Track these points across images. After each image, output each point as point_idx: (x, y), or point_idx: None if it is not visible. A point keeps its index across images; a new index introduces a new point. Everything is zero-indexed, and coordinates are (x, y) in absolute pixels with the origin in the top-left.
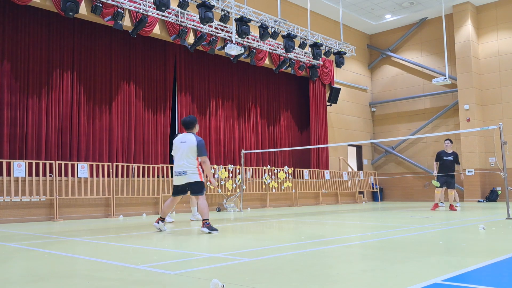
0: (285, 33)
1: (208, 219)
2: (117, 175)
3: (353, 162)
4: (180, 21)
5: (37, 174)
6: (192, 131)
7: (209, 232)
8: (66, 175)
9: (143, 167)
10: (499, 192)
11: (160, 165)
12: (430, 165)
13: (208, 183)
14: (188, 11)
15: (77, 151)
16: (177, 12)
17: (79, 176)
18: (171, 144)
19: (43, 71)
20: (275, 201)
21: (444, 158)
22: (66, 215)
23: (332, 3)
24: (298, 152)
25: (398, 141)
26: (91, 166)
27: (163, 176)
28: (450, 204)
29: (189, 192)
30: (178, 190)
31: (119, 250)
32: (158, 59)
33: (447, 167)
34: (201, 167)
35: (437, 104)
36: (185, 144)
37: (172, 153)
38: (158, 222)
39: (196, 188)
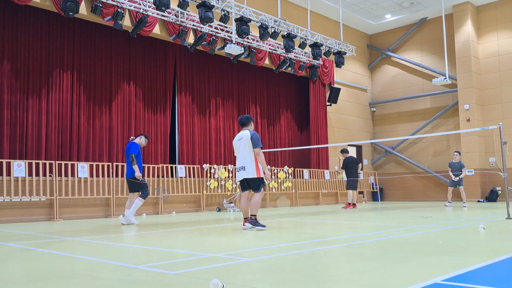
0: (285, 33)
1: (255, 215)
2: (117, 175)
3: None
4: (180, 21)
5: (37, 174)
6: (247, 128)
7: (252, 227)
8: (66, 175)
9: (143, 167)
10: (499, 192)
11: (160, 165)
12: (430, 165)
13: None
14: (188, 11)
15: (77, 151)
16: (177, 12)
17: (79, 176)
18: (171, 144)
19: (43, 71)
20: (275, 201)
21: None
22: (66, 215)
23: (332, 3)
24: (298, 152)
25: (398, 141)
26: (91, 166)
27: (163, 176)
28: (347, 203)
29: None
30: (243, 186)
31: (119, 250)
32: (158, 59)
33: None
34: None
35: (437, 104)
36: (242, 140)
37: (235, 154)
38: (244, 224)
39: (254, 184)
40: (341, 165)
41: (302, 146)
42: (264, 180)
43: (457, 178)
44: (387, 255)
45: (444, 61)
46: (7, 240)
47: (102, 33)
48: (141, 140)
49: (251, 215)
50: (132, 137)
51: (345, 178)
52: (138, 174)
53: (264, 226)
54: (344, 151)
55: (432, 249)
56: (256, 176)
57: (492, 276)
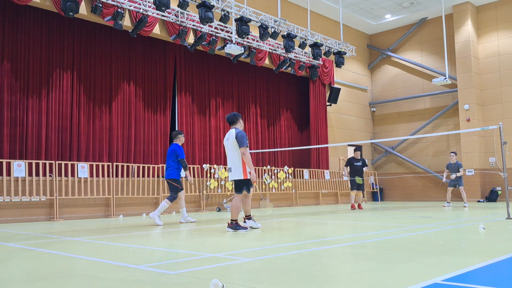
0: (285, 33)
1: (235, 220)
2: (117, 175)
3: None
4: (180, 21)
5: (37, 174)
6: (235, 126)
7: (235, 231)
8: (66, 175)
9: (143, 167)
10: (499, 192)
11: (160, 165)
12: (430, 165)
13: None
14: (188, 11)
15: (77, 151)
16: (177, 12)
17: (79, 176)
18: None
19: (43, 71)
20: (275, 201)
21: (354, 164)
22: (66, 215)
23: (332, 3)
24: (298, 152)
25: (398, 141)
26: (91, 166)
27: (163, 176)
28: (358, 204)
29: (182, 192)
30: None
31: (119, 250)
32: (158, 59)
33: (357, 172)
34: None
35: (437, 104)
36: (228, 140)
37: (226, 154)
38: (245, 222)
39: (236, 186)
40: (358, 164)
41: (302, 146)
42: (251, 181)
43: (454, 175)
44: (387, 255)
45: (444, 61)
46: (7, 240)
47: (102, 33)
48: (182, 139)
49: (231, 220)
50: (176, 142)
51: (346, 178)
52: (190, 178)
53: (246, 228)
54: (359, 149)
55: (432, 249)
56: (241, 178)
57: (492, 276)
